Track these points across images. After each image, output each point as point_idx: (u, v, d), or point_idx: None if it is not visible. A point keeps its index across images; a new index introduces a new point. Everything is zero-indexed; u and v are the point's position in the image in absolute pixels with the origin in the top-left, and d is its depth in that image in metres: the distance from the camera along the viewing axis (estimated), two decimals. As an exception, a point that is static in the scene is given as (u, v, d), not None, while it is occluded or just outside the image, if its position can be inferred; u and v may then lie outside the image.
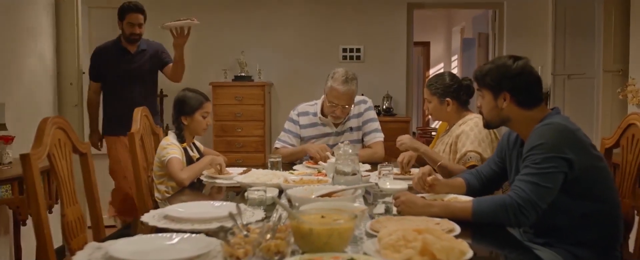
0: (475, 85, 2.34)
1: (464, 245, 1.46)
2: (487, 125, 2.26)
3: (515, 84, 2.11)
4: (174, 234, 1.63)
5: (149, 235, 1.68)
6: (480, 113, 2.26)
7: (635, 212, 2.26)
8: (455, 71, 10.70)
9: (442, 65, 11.75)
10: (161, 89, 5.79)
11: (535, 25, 6.04)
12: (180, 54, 3.96)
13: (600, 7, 4.83)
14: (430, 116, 3.13)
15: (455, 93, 2.92)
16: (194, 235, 1.63)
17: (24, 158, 1.84)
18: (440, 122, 3.21)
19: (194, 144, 3.08)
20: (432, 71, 11.85)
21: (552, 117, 2.07)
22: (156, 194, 2.88)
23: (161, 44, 4.24)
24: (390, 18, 6.11)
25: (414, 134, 8.65)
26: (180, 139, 2.93)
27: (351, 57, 6.09)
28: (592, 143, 2.05)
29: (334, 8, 6.09)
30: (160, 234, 1.68)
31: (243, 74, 5.83)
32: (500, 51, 6.30)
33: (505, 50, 6.18)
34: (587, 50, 5.30)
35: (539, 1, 6.01)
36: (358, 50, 6.11)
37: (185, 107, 2.94)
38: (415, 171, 2.70)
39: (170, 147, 2.82)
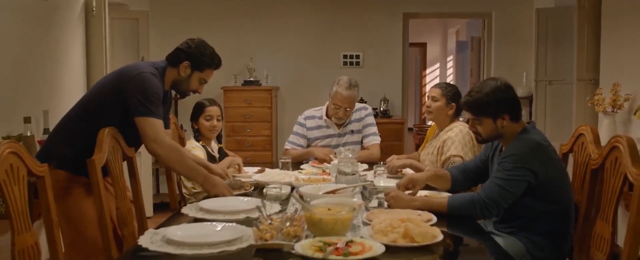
0: (468, 115, 2.52)
1: (436, 230, 1.93)
2: (484, 141, 2.56)
3: (510, 103, 2.41)
4: (215, 222, 2.10)
5: (194, 224, 2.15)
6: (476, 133, 2.51)
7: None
8: (450, 72, 11.11)
9: (438, 65, 12.10)
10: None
11: (520, 34, 6.42)
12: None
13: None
14: (427, 114, 3.54)
15: (458, 102, 3.39)
16: (228, 224, 2.09)
17: (91, 163, 2.31)
18: (432, 123, 3.67)
19: (221, 148, 3.54)
20: (429, 71, 12.22)
21: (529, 131, 2.43)
22: (183, 190, 3.34)
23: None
24: (387, 27, 6.50)
25: (410, 129, 9.10)
26: (198, 140, 3.41)
27: (351, 63, 6.49)
28: (559, 157, 2.43)
29: (335, 18, 6.49)
30: (200, 223, 2.14)
31: (252, 79, 6.23)
32: (489, 56, 6.73)
33: (494, 55, 6.58)
34: (566, 59, 5.54)
35: (524, 12, 6.38)
36: (357, 56, 6.51)
37: (192, 114, 3.48)
38: (407, 171, 3.16)
39: (194, 150, 3.28)
